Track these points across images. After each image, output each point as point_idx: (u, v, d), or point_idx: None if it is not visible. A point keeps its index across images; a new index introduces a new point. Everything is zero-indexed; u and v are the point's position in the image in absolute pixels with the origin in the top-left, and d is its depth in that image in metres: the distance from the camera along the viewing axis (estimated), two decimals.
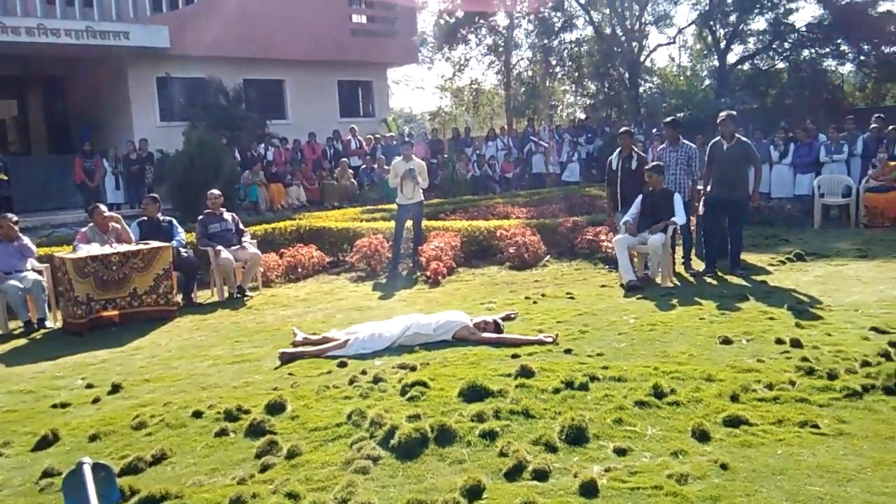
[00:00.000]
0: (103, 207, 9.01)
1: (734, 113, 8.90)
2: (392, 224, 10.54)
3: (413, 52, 25.50)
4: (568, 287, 8.26)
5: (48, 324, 8.02)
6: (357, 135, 19.75)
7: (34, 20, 15.95)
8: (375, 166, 17.75)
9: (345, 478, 3.59)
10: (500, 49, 28.62)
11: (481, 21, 27.63)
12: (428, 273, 9.28)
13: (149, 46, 17.40)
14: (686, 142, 9.20)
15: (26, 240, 8.41)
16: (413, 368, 5.29)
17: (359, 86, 23.77)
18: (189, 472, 3.84)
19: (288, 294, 9.13)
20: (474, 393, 4.55)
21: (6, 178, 14.07)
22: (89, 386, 5.57)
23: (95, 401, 5.18)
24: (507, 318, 6.54)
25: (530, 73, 31.00)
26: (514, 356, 5.41)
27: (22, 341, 7.53)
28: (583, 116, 27.08)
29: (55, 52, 16.47)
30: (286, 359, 5.84)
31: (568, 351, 5.52)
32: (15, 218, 8.41)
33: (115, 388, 5.39)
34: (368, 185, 17.47)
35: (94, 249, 8.01)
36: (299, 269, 10.20)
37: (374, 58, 22.95)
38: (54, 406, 5.11)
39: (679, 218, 8.33)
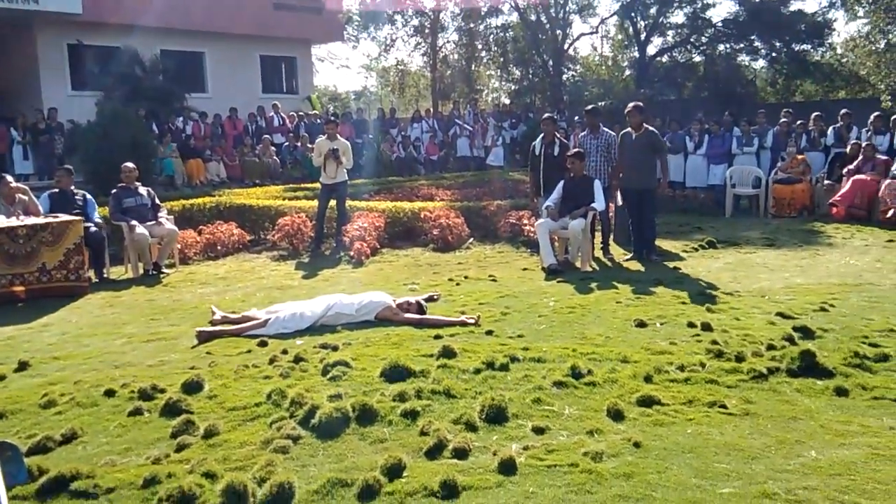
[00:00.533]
0: (9, 178, 8.60)
1: (640, 104, 9.14)
2: (315, 203, 10.42)
3: (338, 30, 25.18)
4: (490, 269, 8.36)
5: None
6: (280, 111, 19.41)
7: None
8: (298, 144, 17.49)
9: (264, 457, 3.55)
10: (427, 31, 28.50)
11: (408, 1, 27.45)
12: (351, 253, 9.23)
13: (59, 12, 16.61)
14: (606, 130, 9.41)
15: None
16: (335, 348, 5.27)
17: (282, 61, 23.35)
18: (101, 452, 3.73)
19: (206, 272, 8.93)
20: (396, 373, 4.57)
21: None
22: None
23: (1, 378, 4.96)
24: (429, 300, 6.58)
25: (456, 56, 31.02)
26: (437, 337, 5.45)
27: None
28: (507, 101, 27.29)
29: None
30: (204, 337, 5.72)
31: (489, 332, 5.59)
32: None
33: (23, 366, 5.17)
34: (291, 163, 17.20)
35: (1, 221, 7.64)
36: (219, 247, 9.98)
37: (298, 34, 22.57)
38: None
39: (598, 204, 8.52)
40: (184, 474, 3.40)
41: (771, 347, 5.00)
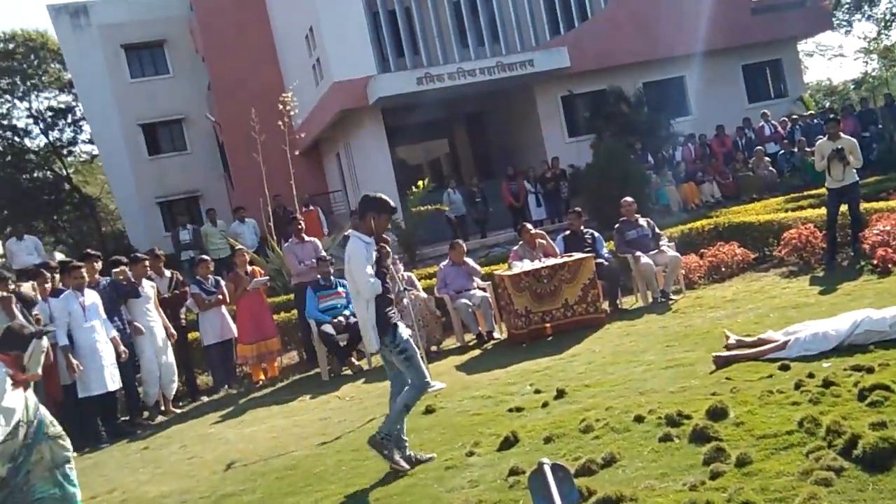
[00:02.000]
0: (529, 226, 9.79)
1: None
2: (823, 211, 9.60)
3: (826, 19, 23.05)
4: None
5: (495, 335, 8.94)
6: (770, 119, 18.49)
7: (454, 66, 18.01)
8: (795, 150, 16.40)
9: (805, 489, 3.36)
10: None
11: None
12: (874, 261, 8.24)
13: (552, 69, 18.43)
14: None
15: (472, 262, 9.51)
16: (870, 370, 4.75)
17: (766, 66, 22.22)
18: (639, 476, 3.94)
19: (713, 295, 8.87)
20: None
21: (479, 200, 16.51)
22: (537, 391, 6.05)
23: (544, 405, 5.60)
24: None
25: None
26: None
27: (476, 352, 8.51)
28: None
29: (473, 90, 18.35)
30: (721, 363, 5.68)
31: None
32: (464, 244, 9.60)
33: (560, 394, 5.77)
34: (789, 171, 16.21)
35: (526, 265, 8.72)
36: (722, 269, 9.85)
37: (781, 33, 21.26)
38: (510, 410, 5.66)
39: None
40: (722, 503, 3.40)
41: None
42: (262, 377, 9.20)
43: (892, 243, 8.38)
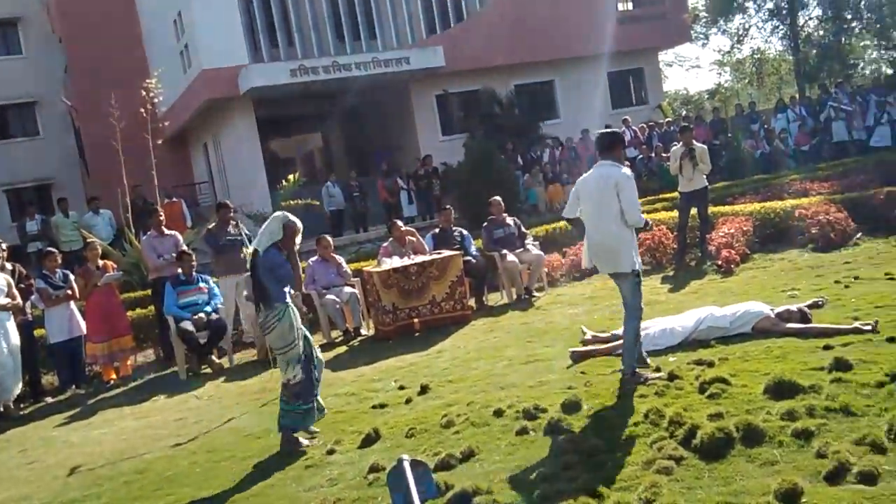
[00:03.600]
0: (400, 223, 9.78)
1: None
2: (675, 214, 10.15)
3: (685, 31, 24.43)
4: (887, 267, 7.31)
5: (363, 331, 8.88)
6: (631, 125, 19.37)
7: (329, 59, 17.83)
8: (653, 155, 17.26)
9: (648, 478, 3.54)
10: (784, 12, 26.23)
11: None
12: (719, 262, 8.80)
13: (427, 68, 18.57)
14: None
15: (344, 263, 9.39)
16: (711, 364, 5.05)
17: (629, 74, 23.33)
18: (496, 469, 4.02)
19: (573, 293, 9.19)
20: (782, 389, 4.25)
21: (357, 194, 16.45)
22: (402, 387, 6.05)
23: (408, 401, 5.61)
24: (814, 306, 5.97)
25: (821, 32, 28.03)
26: (826, 347, 4.93)
27: (342, 348, 8.43)
28: (890, 72, 23.92)
29: (348, 85, 18.22)
30: (577, 358, 5.88)
31: (892, 339, 4.89)
32: (330, 239, 9.46)
33: (424, 389, 5.80)
34: (646, 175, 17.01)
35: (395, 262, 8.72)
36: (583, 267, 10.21)
37: (644, 43, 22.39)
38: (374, 407, 5.63)
39: None
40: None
41: None
42: (114, 377, 8.73)
43: (735, 245, 8.98)
